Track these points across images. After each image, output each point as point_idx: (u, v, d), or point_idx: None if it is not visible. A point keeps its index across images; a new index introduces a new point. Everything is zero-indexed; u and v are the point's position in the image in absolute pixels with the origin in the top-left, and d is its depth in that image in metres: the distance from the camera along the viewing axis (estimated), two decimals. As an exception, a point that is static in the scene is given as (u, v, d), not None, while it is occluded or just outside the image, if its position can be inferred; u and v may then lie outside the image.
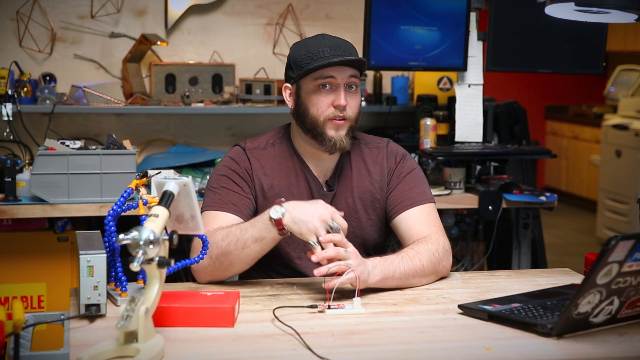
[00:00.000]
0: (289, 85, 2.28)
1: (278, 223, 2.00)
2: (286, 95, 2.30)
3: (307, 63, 2.19)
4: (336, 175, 2.32)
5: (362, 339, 1.74)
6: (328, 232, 1.97)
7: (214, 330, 1.77)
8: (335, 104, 2.20)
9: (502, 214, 3.58)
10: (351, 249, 1.97)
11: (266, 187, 2.28)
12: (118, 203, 1.94)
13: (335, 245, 1.96)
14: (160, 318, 1.76)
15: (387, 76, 4.27)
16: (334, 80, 2.20)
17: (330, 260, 1.95)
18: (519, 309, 1.86)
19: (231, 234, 2.07)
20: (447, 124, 3.82)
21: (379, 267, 2.03)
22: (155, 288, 1.65)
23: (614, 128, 6.69)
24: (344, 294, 2.00)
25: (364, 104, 4.04)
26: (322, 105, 2.21)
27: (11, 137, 3.72)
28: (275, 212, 2.00)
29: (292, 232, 2.00)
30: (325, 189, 2.31)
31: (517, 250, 3.75)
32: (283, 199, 2.04)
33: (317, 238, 1.96)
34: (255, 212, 2.27)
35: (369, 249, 2.32)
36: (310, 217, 1.98)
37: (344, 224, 2.01)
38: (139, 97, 3.89)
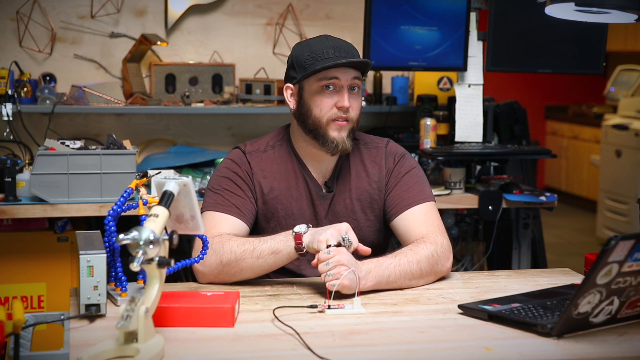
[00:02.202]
0: (290, 85, 2.28)
1: (297, 237, 2.03)
2: (287, 95, 2.30)
3: (311, 64, 2.19)
4: (335, 176, 2.32)
5: (362, 339, 1.74)
6: (339, 244, 2.00)
7: (214, 330, 1.77)
8: (339, 105, 2.20)
9: (502, 214, 3.58)
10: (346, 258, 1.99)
11: (266, 190, 2.28)
12: (118, 203, 1.94)
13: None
14: (160, 318, 1.76)
15: (387, 76, 4.27)
16: (337, 81, 2.19)
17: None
18: (519, 309, 1.86)
19: (248, 243, 2.09)
20: (447, 124, 3.82)
21: (372, 273, 2.04)
22: (155, 288, 1.65)
23: (614, 128, 6.69)
24: (344, 294, 2.00)
25: (363, 104, 4.04)
26: (325, 106, 2.20)
27: (11, 137, 3.72)
28: (299, 228, 2.05)
29: (307, 246, 2.03)
30: (324, 191, 2.31)
31: (517, 250, 3.75)
32: (311, 225, 2.07)
33: (327, 245, 1.98)
34: (256, 216, 2.28)
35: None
36: (326, 229, 2.02)
37: (355, 241, 2.03)
38: (139, 97, 3.89)
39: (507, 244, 3.84)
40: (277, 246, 2.07)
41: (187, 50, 4.15)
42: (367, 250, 2.07)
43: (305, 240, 2.03)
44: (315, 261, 1.99)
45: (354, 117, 2.24)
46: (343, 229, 2.02)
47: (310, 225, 2.07)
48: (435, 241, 2.17)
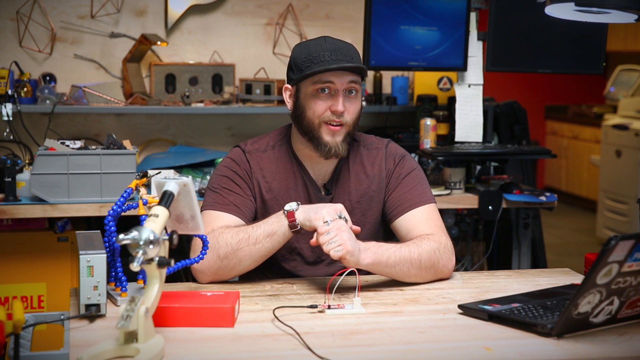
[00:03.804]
0: (289, 86, 2.28)
1: (290, 215, 2.05)
2: (286, 96, 2.30)
3: (307, 66, 2.18)
4: (334, 178, 2.31)
5: (362, 339, 1.74)
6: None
7: (214, 330, 1.77)
8: (333, 110, 2.20)
9: (502, 214, 3.58)
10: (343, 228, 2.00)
11: (264, 189, 2.28)
12: (118, 203, 1.94)
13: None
14: (160, 318, 1.76)
15: (387, 76, 4.27)
16: (333, 85, 2.19)
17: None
18: (519, 309, 1.86)
19: (242, 232, 2.10)
20: (447, 124, 3.82)
21: (371, 250, 2.04)
22: (155, 288, 1.65)
23: (614, 128, 6.69)
24: (344, 294, 2.00)
25: (364, 104, 4.03)
26: (319, 109, 2.20)
27: (11, 137, 3.72)
28: (289, 206, 2.06)
29: (301, 223, 2.04)
30: (323, 193, 2.30)
31: (517, 250, 3.75)
32: (300, 202, 2.09)
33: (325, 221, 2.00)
34: (256, 214, 2.28)
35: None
36: (321, 207, 2.04)
37: (350, 221, 2.05)
38: (139, 97, 3.89)
39: (507, 244, 3.84)
40: (272, 228, 2.07)
41: (187, 50, 4.15)
42: (356, 229, 2.07)
43: (299, 217, 2.04)
44: (314, 240, 2.00)
45: (349, 121, 2.23)
46: (339, 209, 2.04)
47: (300, 202, 2.08)
48: (438, 240, 2.17)
